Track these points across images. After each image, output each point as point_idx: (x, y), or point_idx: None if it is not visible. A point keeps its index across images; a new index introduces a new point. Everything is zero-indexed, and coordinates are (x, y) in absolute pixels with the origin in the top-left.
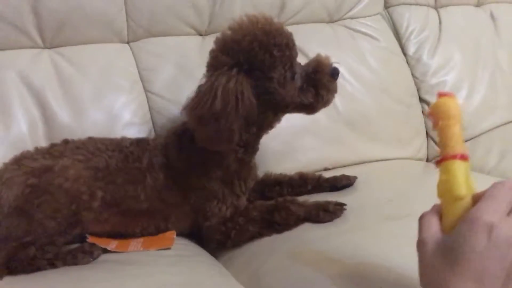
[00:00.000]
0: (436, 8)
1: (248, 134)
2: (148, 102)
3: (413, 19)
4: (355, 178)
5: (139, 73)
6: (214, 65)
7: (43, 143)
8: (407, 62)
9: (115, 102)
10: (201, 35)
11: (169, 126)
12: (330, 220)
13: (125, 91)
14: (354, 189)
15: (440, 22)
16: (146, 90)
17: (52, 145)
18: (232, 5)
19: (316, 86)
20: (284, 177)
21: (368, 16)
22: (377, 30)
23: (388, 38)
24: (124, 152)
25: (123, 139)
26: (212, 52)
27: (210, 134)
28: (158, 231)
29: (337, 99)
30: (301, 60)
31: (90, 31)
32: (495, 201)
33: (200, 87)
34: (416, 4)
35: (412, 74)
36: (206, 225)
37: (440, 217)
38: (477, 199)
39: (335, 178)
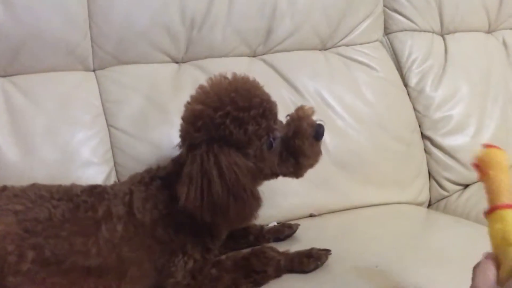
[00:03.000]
0: (442, 34)
1: None
2: (110, 138)
3: (416, 47)
4: (297, 225)
5: (103, 105)
6: (188, 140)
7: None
8: (408, 95)
9: (72, 138)
10: (177, 62)
11: (133, 166)
12: (315, 267)
13: (84, 125)
14: (340, 245)
15: (446, 51)
16: (109, 125)
17: None
18: (212, 30)
19: (296, 154)
20: None
21: (365, 43)
22: (375, 58)
23: (388, 67)
24: (74, 201)
25: (73, 186)
26: (182, 124)
27: (240, 212)
28: None
29: (327, 137)
30: (288, 90)
31: (50, 58)
32: None
33: (186, 171)
34: (420, 31)
35: (414, 108)
36: (171, 282)
37: (497, 266)
38: None
39: (277, 229)
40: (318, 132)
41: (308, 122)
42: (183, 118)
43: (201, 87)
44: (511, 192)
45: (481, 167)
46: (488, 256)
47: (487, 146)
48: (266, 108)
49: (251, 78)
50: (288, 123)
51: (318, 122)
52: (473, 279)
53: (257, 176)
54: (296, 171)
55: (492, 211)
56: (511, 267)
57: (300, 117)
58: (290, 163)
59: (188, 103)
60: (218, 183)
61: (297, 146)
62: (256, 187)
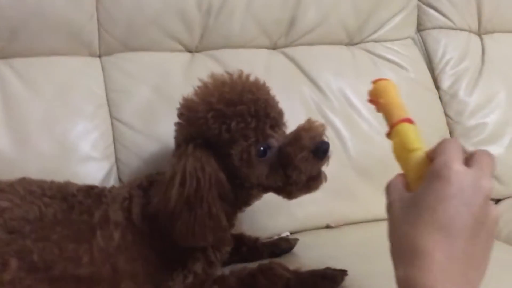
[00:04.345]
0: (479, 34)
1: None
2: (113, 132)
3: (450, 46)
4: (296, 240)
5: (107, 95)
6: (176, 139)
7: None
8: (439, 98)
9: (71, 130)
10: (190, 51)
11: (136, 164)
12: None
13: (85, 116)
14: (358, 263)
15: (483, 52)
16: (112, 117)
17: None
18: (230, 18)
19: (286, 165)
20: None
21: (396, 40)
22: (406, 57)
23: (419, 67)
24: (68, 200)
25: (69, 184)
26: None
27: (188, 228)
28: None
29: (349, 141)
30: (309, 87)
31: (52, 41)
32: (451, 153)
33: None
34: (456, 29)
35: (445, 113)
36: None
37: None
38: (431, 155)
39: (273, 243)
40: (318, 147)
41: (310, 134)
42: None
43: (201, 82)
44: (403, 110)
45: (373, 100)
46: (396, 175)
47: (375, 81)
48: (261, 108)
49: (261, 81)
50: (291, 133)
51: (323, 139)
52: (386, 196)
53: (233, 190)
54: (285, 187)
55: (389, 132)
56: (413, 171)
57: (302, 128)
58: (279, 175)
59: (182, 98)
60: (177, 189)
61: (287, 154)
62: (220, 206)
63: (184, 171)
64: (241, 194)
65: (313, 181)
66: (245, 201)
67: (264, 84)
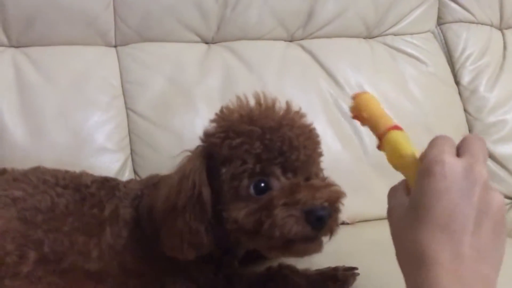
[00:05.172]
0: (501, 29)
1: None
2: (128, 123)
3: (471, 41)
4: None
5: (122, 86)
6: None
7: None
8: (459, 94)
9: (86, 121)
10: (206, 43)
11: (151, 156)
12: None
13: (100, 107)
14: (370, 261)
15: (504, 47)
16: (127, 108)
17: None
18: (247, 9)
19: (266, 210)
20: None
21: (416, 34)
22: (426, 51)
23: (439, 62)
24: (81, 192)
25: (84, 175)
26: None
27: (168, 235)
28: None
29: (366, 136)
30: (326, 81)
31: (67, 30)
32: (439, 147)
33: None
34: (477, 23)
35: (465, 109)
36: None
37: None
38: (423, 156)
39: None
40: (312, 210)
41: (316, 193)
42: None
43: (255, 97)
44: (388, 118)
45: (356, 114)
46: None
47: (354, 95)
48: (277, 141)
49: (308, 124)
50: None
51: (327, 205)
52: (387, 203)
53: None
54: (256, 236)
55: (380, 144)
56: (412, 174)
57: (311, 184)
58: (255, 219)
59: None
60: (164, 195)
61: (271, 198)
62: (200, 221)
63: (181, 172)
64: (219, 227)
65: (294, 244)
66: (226, 238)
67: (305, 127)
